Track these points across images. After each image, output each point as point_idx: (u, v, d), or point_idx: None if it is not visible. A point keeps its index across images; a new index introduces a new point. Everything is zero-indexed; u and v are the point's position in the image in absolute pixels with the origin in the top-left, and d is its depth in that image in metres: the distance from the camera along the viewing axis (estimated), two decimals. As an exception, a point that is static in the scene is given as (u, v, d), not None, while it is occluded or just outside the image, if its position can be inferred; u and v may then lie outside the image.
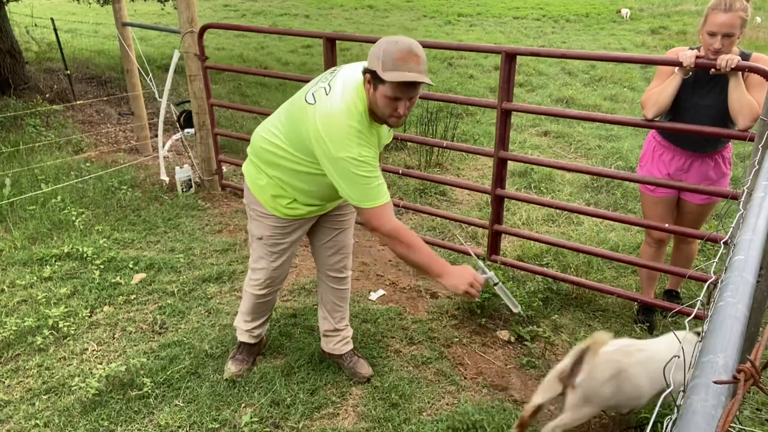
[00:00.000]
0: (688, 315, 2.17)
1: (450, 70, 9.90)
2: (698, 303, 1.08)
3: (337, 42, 3.88)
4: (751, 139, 2.40)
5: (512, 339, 3.04)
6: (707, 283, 1.18)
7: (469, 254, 2.82)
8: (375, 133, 2.19)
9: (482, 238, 4.07)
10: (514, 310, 2.14)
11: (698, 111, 2.71)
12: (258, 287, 2.61)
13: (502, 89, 3.18)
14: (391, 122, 2.12)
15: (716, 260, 1.34)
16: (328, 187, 2.24)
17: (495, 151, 3.33)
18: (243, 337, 2.76)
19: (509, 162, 3.54)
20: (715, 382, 0.64)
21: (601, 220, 4.41)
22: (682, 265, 3.17)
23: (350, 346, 2.80)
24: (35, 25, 11.31)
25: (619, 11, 17.72)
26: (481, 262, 2.11)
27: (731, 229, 1.63)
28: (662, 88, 2.69)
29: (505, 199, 3.58)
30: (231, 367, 2.72)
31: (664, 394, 0.89)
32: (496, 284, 2.08)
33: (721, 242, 1.41)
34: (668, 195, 2.96)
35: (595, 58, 3.13)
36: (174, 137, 5.39)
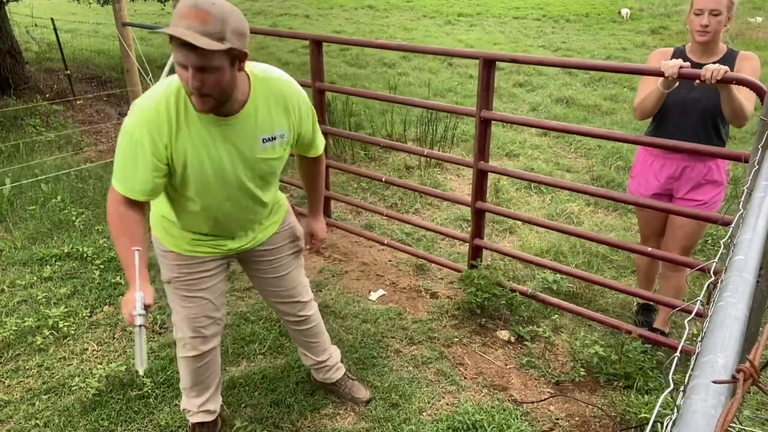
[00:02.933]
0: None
1: (450, 70, 9.90)
2: (698, 302, 1.08)
3: (331, 44, 3.87)
4: (746, 160, 2.22)
5: (512, 339, 3.04)
6: (707, 283, 1.18)
7: None
8: (190, 124, 1.72)
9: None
10: (137, 368, 1.64)
11: (686, 106, 2.58)
12: (183, 349, 2.18)
13: (481, 97, 2.99)
14: (193, 101, 1.67)
15: (716, 260, 1.34)
16: (194, 185, 1.83)
17: (474, 162, 3.16)
18: (196, 418, 2.31)
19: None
20: (715, 382, 0.64)
21: (601, 220, 4.42)
22: (674, 293, 2.93)
23: (341, 372, 2.62)
24: (35, 25, 11.31)
25: (620, 11, 17.71)
26: (139, 305, 1.64)
27: (731, 229, 1.63)
28: (644, 98, 2.59)
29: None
30: None
31: (664, 394, 0.89)
32: (137, 326, 1.64)
33: (721, 240, 1.41)
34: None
35: (574, 66, 3.02)
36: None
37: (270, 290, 2.30)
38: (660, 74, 2.40)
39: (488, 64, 2.95)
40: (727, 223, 2.35)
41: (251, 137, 1.81)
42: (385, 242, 3.84)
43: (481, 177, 3.20)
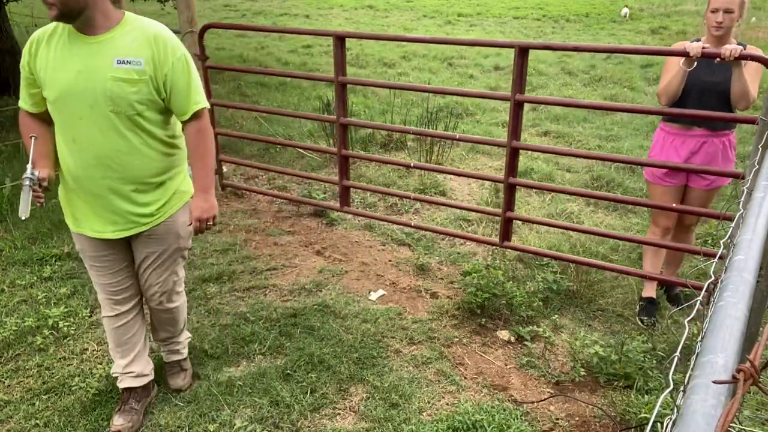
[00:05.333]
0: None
1: (450, 70, 9.90)
2: (698, 302, 1.08)
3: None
4: (757, 123, 2.56)
5: (512, 339, 3.04)
6: (707, 283, 1.18)
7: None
8: (57, 43, 2.03)
9: (482, 235, 4.07)
10: (21, 216, 2.05)
11: (706, 88, 2.88)
12: (103, 308, 2.40)
13: (515, 82, 3.31)
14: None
15: (716, 260, 1.34)
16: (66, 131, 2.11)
17: (508, 141, 3.46)
18: (123, 383, 2.43)
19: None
20: (715, 382, 0.64)
21: (601, 220, 4.41)
22: (676, 257, 3.36)
23: (174, 357, 2.62)
24: (35, 25, 11.30)
25: (620, 11, 17.72)
26: (28, 171, 2.05)
27: (731, 229, 1.63)
28: (670, 80, 2.88)
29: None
30: (117, 420, 2.35)
31: (664, 394, 0.89)
32: (25, 185, 2.04)
33: (721, 240, 1.41)
34: (677, 184, 3.09)
35: (605, 50, 3.30)
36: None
37: (140, 273, 2.37)
38: (684, 54, 2.77)
39: (522, 52, 3.24)
40: (740, 177, 2.71)
41: (107, 57, 2.01)
42: (412, 224, 4.01)
43: (513, 154, 3.51)
